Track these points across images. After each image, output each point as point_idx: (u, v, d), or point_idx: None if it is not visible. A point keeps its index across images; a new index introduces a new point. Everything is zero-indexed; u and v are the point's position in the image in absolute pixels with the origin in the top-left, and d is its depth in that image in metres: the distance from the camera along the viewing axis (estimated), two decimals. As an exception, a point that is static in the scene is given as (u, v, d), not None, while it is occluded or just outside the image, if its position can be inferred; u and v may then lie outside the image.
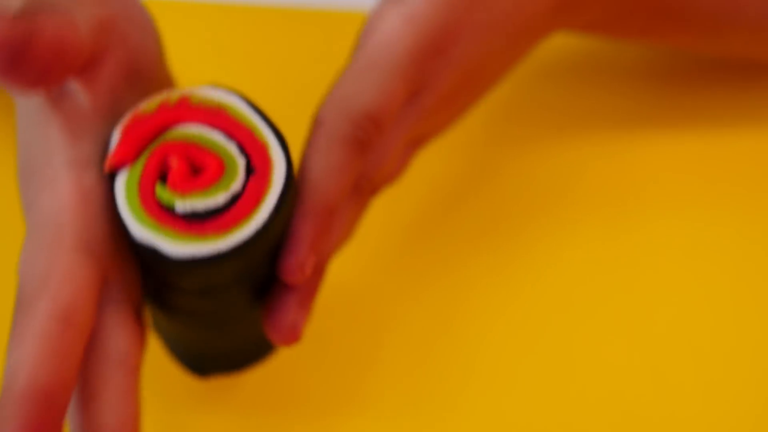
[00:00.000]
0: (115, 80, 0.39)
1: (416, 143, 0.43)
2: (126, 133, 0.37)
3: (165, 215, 0.36)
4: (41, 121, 0.38)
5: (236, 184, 0.37)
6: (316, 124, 0.39)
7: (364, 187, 0.41)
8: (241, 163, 0.37)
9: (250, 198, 0.36)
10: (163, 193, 0.36)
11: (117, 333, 0.37)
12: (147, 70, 0.40)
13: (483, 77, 0.43)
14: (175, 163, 0.37)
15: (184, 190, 0.36)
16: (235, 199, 0.37)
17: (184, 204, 0.36)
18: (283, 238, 0.38)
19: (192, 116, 0.38)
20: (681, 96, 0.53)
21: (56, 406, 0.34)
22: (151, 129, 0.38)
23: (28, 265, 0.36)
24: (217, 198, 0.36)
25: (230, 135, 0.37)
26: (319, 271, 0.40)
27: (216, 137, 0.37)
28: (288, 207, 0.37)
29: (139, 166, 0.37)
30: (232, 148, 0.37)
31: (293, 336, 0.39)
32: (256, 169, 0.37)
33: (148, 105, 0.38)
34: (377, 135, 0.39)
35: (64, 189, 0.37)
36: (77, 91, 0.38)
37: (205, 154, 0.37)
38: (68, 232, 0.36)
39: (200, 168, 0.37)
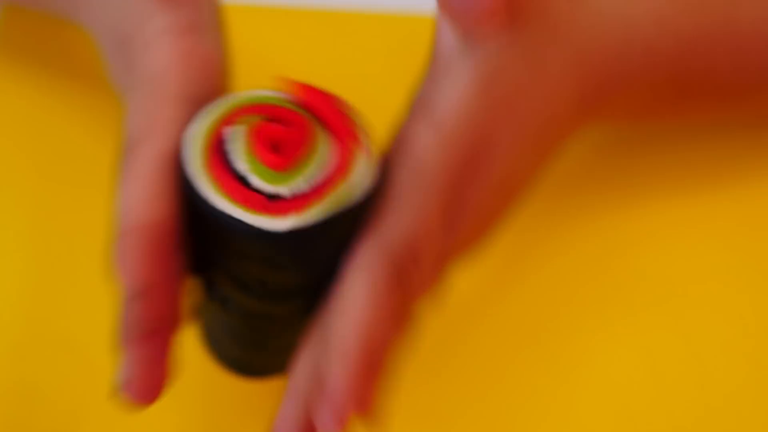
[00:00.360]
0: None
1: (449, 259, 0.41)
2: (303, 86, 0.37)
3: (216, 143, 0.37)
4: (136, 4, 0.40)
5: (269, 188, 0.36)
6: (354, 264, 0.37)
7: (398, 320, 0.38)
8: (299, 188, 0.36)
9: (264, 204, 0.36)
10: (242, 121, 0.37)
11: None
12: None
13: (514, 186, 0.41)
14: (278, 129, 0.37)
15: (250, 139, 0.36)
16: (255, 189, 0.36)
17: (231, 139, 0.36)
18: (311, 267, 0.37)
19: (335, 125, 0.37)
20: (679, 158, 0.52)
21: (168, 239, 0.36)
22: (322, 108, 0.37)
23: (133, 117, 0.38)
24: (251, 177, 0.36)
25: (328, 174, 0.36)
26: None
27: (321, 164, 0.36)
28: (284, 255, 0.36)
29: (264, 97, 0.38)
30: (312, 176, 0.36)
31: None
32: (295, 199, 0.36)
33: (327, 90, 0.38)
34: (416, 268, 0.37)
35: (165, 50, 0.39)
36: None
37: (296, 156, 0.36)
38: (172, 84, 0.38)
39: (285, 146, 0.37)
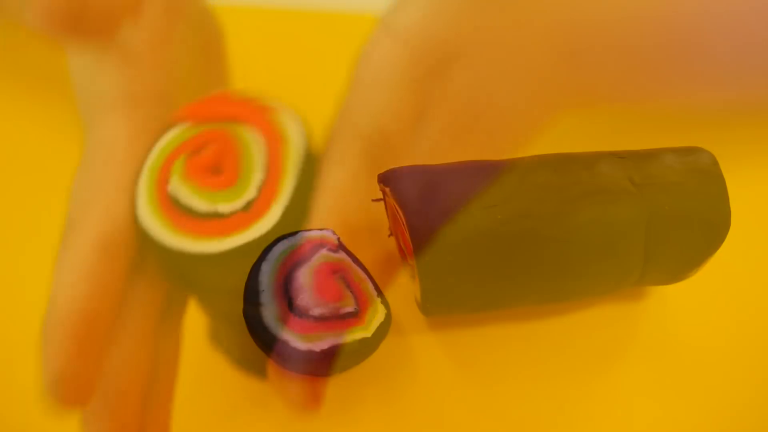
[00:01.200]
0: (157, 17, 0.41)
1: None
2: (208, 101, 0.39)
3: (163, 186, 0.38)
4: (95, 60, 0.41)
5: (226, 207, 0.37)
6: (327, 144, 0.40)
7: None
8: (250, 196, 0.38)
9: (226, 226, 0.37)
10: (176, 166, 0.38)
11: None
12: (186, 3, 0.43)
13: (490, 113, 0.42)
14: (207, 154, 0.38)
15: (188, 176, 0.38)
16: (212, 215, 0.37)
17: (173, 187, 0.38)
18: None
19: (261, 127, 0.39)
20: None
21: (95, 329, 0.37)
22: (226, 111, 0.39)
23: (77, 191, 0.39)
24: (200, 204, 0.37)
25: (268, 164, 0.38)
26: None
27: (258, 159, 0.38)
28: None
29: (189, 132, 0.39)
30: (257, 178, 0.38)
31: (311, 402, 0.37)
32: (252, 209, 0.38)
33: (240, 93, 0.39)
34: (388, 151, 0.40)
35: (117, 123, 0.40)
36: (126, 30, 0.41)
37: (234, 165, 0.38)
38: (117, 164, 0.39)
39: (222, 170, 0.38)
